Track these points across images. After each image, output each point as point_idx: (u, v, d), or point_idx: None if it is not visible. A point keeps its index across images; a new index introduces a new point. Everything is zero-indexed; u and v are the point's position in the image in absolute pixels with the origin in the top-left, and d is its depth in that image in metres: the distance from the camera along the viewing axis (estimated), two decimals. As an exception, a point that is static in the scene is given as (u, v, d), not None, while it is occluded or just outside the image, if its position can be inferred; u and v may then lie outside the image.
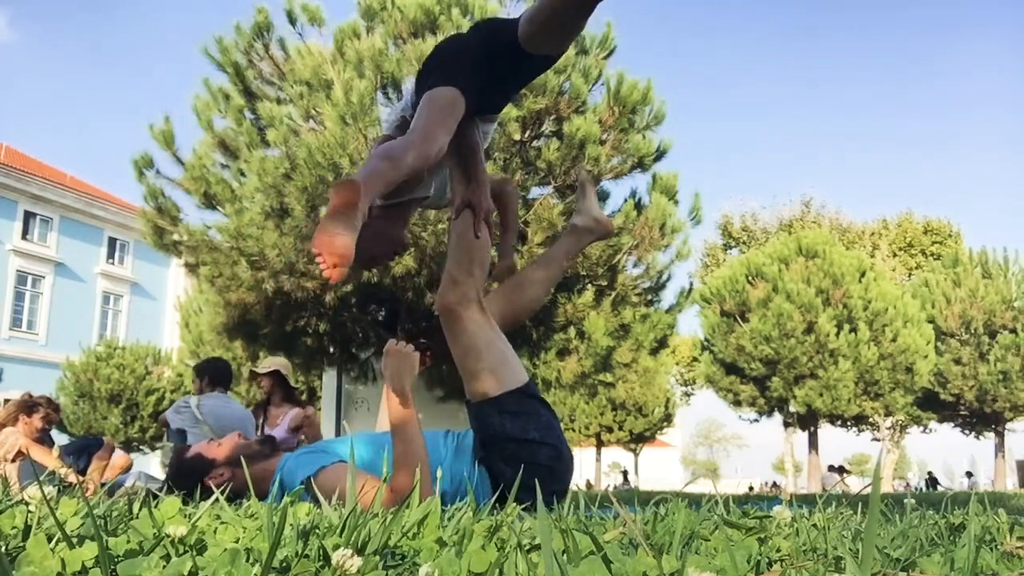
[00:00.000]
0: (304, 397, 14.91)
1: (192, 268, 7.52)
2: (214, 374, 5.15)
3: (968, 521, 1.02)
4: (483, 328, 2.21)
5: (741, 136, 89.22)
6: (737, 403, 18.55)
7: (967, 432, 21.49)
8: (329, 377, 9.57)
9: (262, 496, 1.75)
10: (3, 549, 0.74)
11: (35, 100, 64.85)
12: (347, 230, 1.71)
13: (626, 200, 7.50)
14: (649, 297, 7.99)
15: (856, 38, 74.18)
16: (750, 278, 17.50)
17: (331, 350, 7.99)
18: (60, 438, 7.67)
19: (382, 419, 7.33)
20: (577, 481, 27.82)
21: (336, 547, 0.71)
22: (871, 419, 21.41)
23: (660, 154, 7.39)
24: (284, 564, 0.70)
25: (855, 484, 23.78)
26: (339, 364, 8.56)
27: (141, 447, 18.84)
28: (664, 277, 7.95)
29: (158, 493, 1.62)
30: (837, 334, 16.30)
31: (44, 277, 24.00)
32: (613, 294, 7.48)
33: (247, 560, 0.69)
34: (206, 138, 7.18)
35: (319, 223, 1.74)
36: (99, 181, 52.29)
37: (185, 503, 0.99)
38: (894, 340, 16.67)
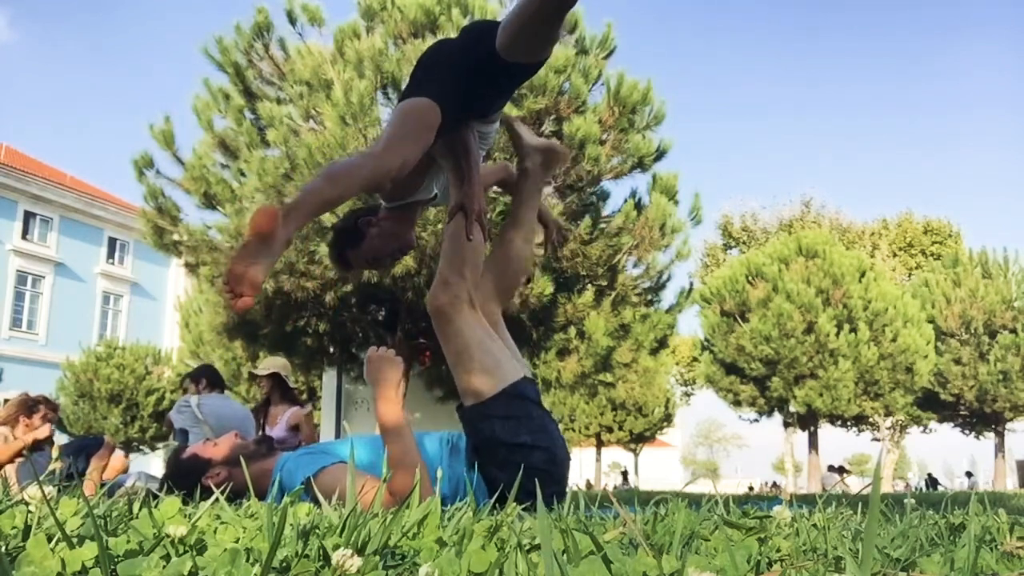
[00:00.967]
0: (304, 397, 14.94)
1: (192, 268, 7.52)
2: (210, 377, 5.18)
3: (968, 521, 1.02)
4: (474, 330, 2.20)
5: (741, 136, 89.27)
6: (737, 403, 18.55)
7: (967, 432, 21.50)
8: (329, 377, 9.57)
9: (260, 496, 1.75)
10: (3, 549, 0.74)
11: (35, 100, 64.88)
12: (261, 260, 1.72)
13: (626, 200, 7.51)
14: (649, 297, 8.00)
15: (856, 38, 74.21)
16: (750, 278, 17.50)
17: (331, 350, 7.99)
18: (60, 438, 7.67)
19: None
20: (577, 481, 27.82)
21: (336, 547, 0.71)
22: (871, 419, 21.41)
23: (660, 154, 7.39)
24: (284, 564, 0.70)
25: (855, 484, 23.79)
26: (339, 364, 8.57)
27: (141, 447, 18.85)
28: (664, 277, 7.95)
29: (158, 493, 1.62)
30: (837, 334, 16.31)
31: (44, 277, 24.01)
32: (613, 294, 7.48)
33: (247, 560, 0.69)
34: (206, 138, 7.19)
35: (236, 251, 1.77)
36: (99, 181, 52.33)
37: (185, 503, 0.99)
38: (894, 340, 16.68)
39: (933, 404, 20.33)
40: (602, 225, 7.29)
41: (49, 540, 0.72)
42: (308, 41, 6.97)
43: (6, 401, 4.93)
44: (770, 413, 18.89)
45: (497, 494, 1.66)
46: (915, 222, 30.66)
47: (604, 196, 7.62)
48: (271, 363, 5.36)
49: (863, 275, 17.29)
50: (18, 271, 23.30)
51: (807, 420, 18.64)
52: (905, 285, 22.35)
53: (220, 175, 7.04)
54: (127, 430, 18.03)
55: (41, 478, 1.18)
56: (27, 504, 0.90)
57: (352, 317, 7.47)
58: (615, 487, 24.48)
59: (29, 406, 4.74)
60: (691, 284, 8.88)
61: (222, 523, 0.89)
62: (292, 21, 7.01)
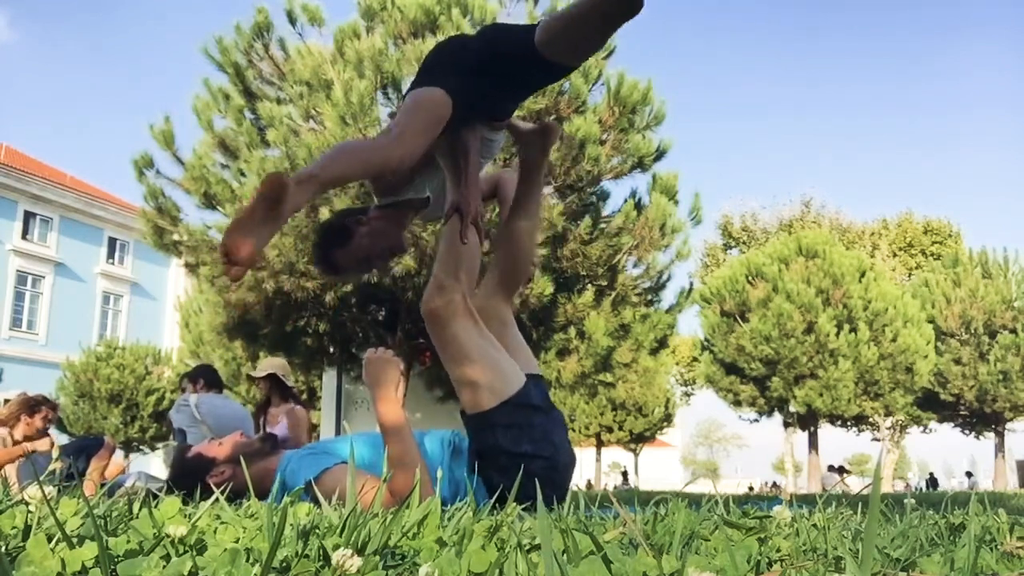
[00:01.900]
0: (304, 397, 14.92)
1: (192, 268, 7.52)
2: (208, 377, 5.17)
3: (968, 521, 1.02)
4: (471, 335, 2.14)
5: (741, 136, 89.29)
6: (737, 403, 18.55)
7: (967, 432, 21.49)
8: (329, 377, 9.57)
9: (263, 495, 1.75)
10: (3, 549, 0.74)
11: (35, 100, 64.88)
12: (264, 228, 1.71)
13: (626, 200, 7.51)
14: (649, 297, 8.00)
15: (856, 38, 74.21)
16: (750, 278, 17.50)
17: (331, 350, 7.99)
18: (60, 438, 7.67)
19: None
20: (577, 481, 27.79)
21: (336, 547, 0.71)
22: (871, 419, 21.41)
23: (660, 154, 7.39)
24: (284, 564, 0.70)
25: (855, 484, 23.79)
26: (339, 364, 8.57)
27: (141, 447, 18.85)
28: (664, 277, 7.95)
29: (158, 493, 1.62)
30: (837, 334, 16.31)
31: (44, 277, 24.01)
32: (613, 294, 7.48)
33: (247, 560, 0.69)
34: (206, 138, 7.19)
35: (235, 216, 1.74)
36: (99, 181, 52.33)
37: (185, 503, 0.99)
38: (894, 340, 16.68)
39: (933, 404, 20.33)
40: (602, 225, 7.29)
41: (49, 540, 0.72)
42: (308, 41, 6.97)
43: (6, 401, 4.93)
44: (770, 413, 18.89)
45: (496, 495, 1.66)
46: (915, 222, 30.66)
47: (604, 196, 7.62)
48: (268, 364, 5.36)
49: (863, 275, 17.29)
50: (18, 271, 23.30)
51: (807, 420, 18.64)
52: (905, 285, 22.35)
53: (220, 175, 7.04)
54: (127, 430, 18.03)
55: (41, 478, 1.18)
56: (27, 504, 0.90)
57: (352, 317, 7.47)
58: (615, 487, 24.48)
59: (31, 406, 4.75)
60: (691, 284, 8.88)
61: (222, 523, 0.89)
62: (292, 21, 7.01)
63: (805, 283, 16.80)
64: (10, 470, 4.45)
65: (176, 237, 7.33)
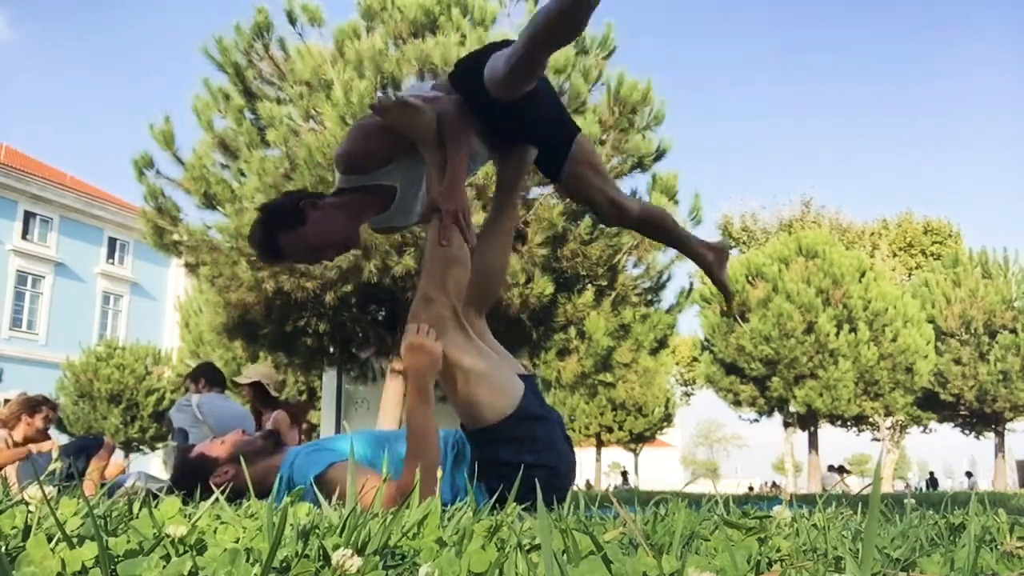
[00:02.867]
0: (304, 397, 14.93)
1: (192, 268, 7.51)
2: (209, 376, 5.18)
3: (968, 521, 1.02)
4: (463, 350, 2.01)
5: (741, 136, 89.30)
6: (737, 403, 18.55)
7: (967, 432, 21.50)
8: (329, 377, 9.57)
9: (265, 494, 1.75)
10: (3, 549, 0.74)
11: (35, 100, 64.90)
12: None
13: (626, 200, 7.49)
14: (649, 297, 7.99)
15: (856, 38, 74.21)
16: (750, 278, 17.51)
17: (331, 350, 7.99)
18: (60, 438, 7.67)
19: (382, 419, 7.34)
20: (577, 481, 27.71)
21: (336, 547, 0.71)
22: (871, 419, 21.41)
23: (660, 154, 7.38)
24: (284, 564, 0.70)
25: (855, 484, 23.79)
26: (339, 364, 8.57)
27: (141, 447, 18.86)
28: (664, 277, 7.95)
29: (158, 493, 1.62)
30: (837, 334, 16.31)
31: (44, 277, 24.01)
32: (613, 294, 7.48)
33: (247, 560, 0.69)
34: (206, 138, 7.18)
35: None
36: (99, 181, 52.34)
37: (185, 503, 0.99)
38: (894, 340, 16.68)
39: (933, 404, 20.33)
40: (602, 225, 7.28)
41: (49, 540, 0.72)
42: (308, 41, 6.97)
43: (6, 401, 4.93)
44: (770, 413, 18.90)
45: (496, 496, 1.66)
46: (915, 222, 30.67)
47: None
48: (253, 371, 5.41)
49: (863, 275, 17.29)
50: (18, 271, 23.30)
51: (807, 420, 18.64)
52: (905, 285, 22.35)
53: (220, 175, 7.03)
54: (127, 430, 18.03)
55: (41, 478, 1.18)
56: (27, 504, 0.90)
57: (352, 317, 7.47)
58: (615, 487, 24.48)
59: (31, 406, 4.75)
60: (691, 284, 8.87)
61: (222, 523, 0.89)
62: (292, 21, 7.01)
63: (805, 283, 16.80)
64: (10, 470, 4.45)
65: (176, 237, 7.32)
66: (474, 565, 0.72)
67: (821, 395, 16.56)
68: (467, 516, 1.02)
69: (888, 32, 72.96)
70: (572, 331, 7.35)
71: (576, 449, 2.28)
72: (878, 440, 24.09)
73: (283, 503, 0.91)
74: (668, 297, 8.18)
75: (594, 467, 27.77)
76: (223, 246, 6.99)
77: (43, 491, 0.89)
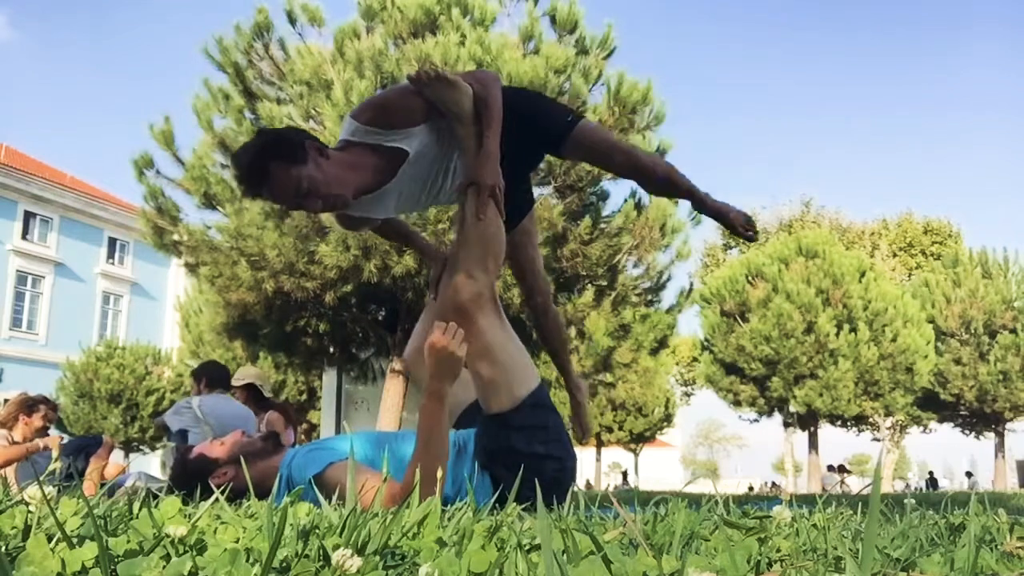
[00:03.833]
0: (304, 397, 14.92)
1: (192, 268, 7.52)
2: (212, 375, 5.17)
3: (968, 521, 1.02)
4: (495, 331, 2.01)
5: (741, 136, 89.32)
6: (737, 403, 18.55)
7: (967, 432, 21.49)
8: (329, 377, 9.57)
9: (265, 494, 1.74)
10: (3, 549, 0.74)
11: (35, 100, 64.91)
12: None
13: (626, 200, 7.51)
14: (649, 297, 8.00)
15: (856, 38, 74.23)
16: (750, 278, 17.50)
17: (331, 350, 8.00)
18: (60, 438, 7.65)
19: (382, 419, 7.34)
20: (577, 481, 27.71)
21: (336, 547, 0.71)
22: (871, 419, 21.41)
23: (660, 154, 7.38)
24: (284, 564, 0.70)
25: (855, 484, 23.80)
26: (339, 364, 8.57)
27: (141, 447, 18.85)
28: (664, 277, 7.96)
29: (158, 493, 1.62)
30: (837, 334, 16.31)
31: (44, 277, 24.00)
32: (613, 294, 7.48)
33: (247, 560, 0.69)
34: (206, 138, 7.18)
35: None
36: (99, 181, 52.31)
37: (185, 503, 0.99)
38: (894, 340, 16.67)
39: (933, 404, 20.33)
40: (602, 225, 7.29)
41: (49, 540, 0.72)
42: (308, 41, 6.97)
43: (6, 401, 4.92)
44: (770, 413, 18.89)
45: (498, 493, 1.65)
46: (915, 222, 30.66)
47: (604, 196, 7.62)
48: (245, 373, 5.44)
49: (863, 275, 17.29)
50: (18, 271, 23.30)
51: (807, 420, 18.63)
52: (905, 285, 22.34)
53: (220, 175, 7.04)
54: (127, 430, 18.02)
55: (41, 478, 1.18)
56: (27, 504, 0.90)
57: (352, 317, 7.47)
58: (615, 487, 24.47)
59: (29, 405, 4.73)
60: (691, 284, 8.88)
61: (222, 523, 0.89)
62: (292, 21, 7.01)
63: (805, 283, 16.79)
64: (9, 471, 4.45)
65: (176, 237, 7.33)
66: (474, 565, 0.72)
67: (821, 395, 16.55)
68: (467, 516, 1.02)
69: (888, 32, 73.00)
70: (572, 331, 7.35)
71: (576, 449, 2.28)
72: (878, 440, 24.09)
73: (283, 503, 0.91)
74: (668, 297, 8.20)
75: (594, 467, 27.75)
76: (223, 246, 7.00)
77: (43, 491, 0.89)
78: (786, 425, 20.01)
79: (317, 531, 0.84)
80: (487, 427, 2.06)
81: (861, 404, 17.02)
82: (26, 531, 0.82)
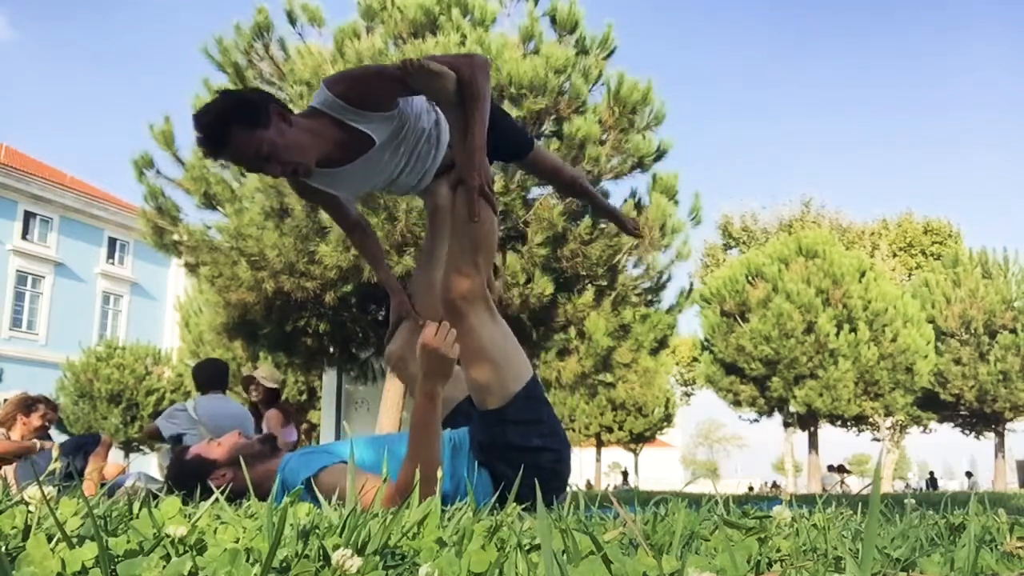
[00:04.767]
0: (304, 397, 14.92)
1: (192, 268, 7.51)
2: (207, 377, 5.14)
3: (968, 521, 1.02)
4: (488, 327, 2.04)
5: (741, 136, 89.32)
6: (737, 403, 18.54)
7: (967, 432, 21.49)
8: (329, 377, 9.57)
9: (264, 496, 1.74)
10: (3, 549, 0.74)
11: (35, 100, 64.92)
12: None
13: (626, 200, 7.50)
14: (649, 297, 7.99)
15: (856, 38, 74.22)
16: (750, 278, 17.50)
17: (331, 350, 7.99)
18: (59, 438, 7.66)
19: (382, 419, 7.34)
20: (577, 481, 27.81)
21: (336, 547, 0.71)
22: (871, 419, 21.40)
23: (660, 154, 7.38)
24: (284, 564, 0.70)
25: (855, 484, 23.80)
26: (339, 364, 8.57)
27: (141, 447, 18.84)
28: (664, 277, 7.95)
29: (158, 493, 1.62)
30: (837, 334, 16.30)
31: (44, 277, 24.00)
32: (613, 294, 7.48)
33: (247, 560, 0.69)
34: (206, 138, 7.17)
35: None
36: (99, 181, 52.33)
37: (185, 503, 0.99)
38: (894, 340, 16.67)
39: (933, 404, 20.32)
40: (602, 225, 7.28)
41: (49, 540, 0.72)
42: (308, 41, 6.96)
43: (5, 401, 4.91)
44: (770, 413, 18.89)
45: (498, 491, 1.65)
46: (915, 222, 30.65)
47: (604, 196, 7.60)
48: (273, 376, 5.56)
49: (863, 275, 17.28)
50: (18, 271, 23.29)
51: (807, 420, 18.63)
52: (905, 285, 22.34)
53: (220, 175, 7.03)
54: (127, 430, 18.02)
55: (41, 478, 1.18)
56: (27, 504, 0.90)
57: (352, 317, 7.47)
58: (615, 487, 24.48)
59: (27, 405, 4.72)
60: (691, 284, 8.87)
61: (222, 523, 0.89)
62: (292, 21, 7.01)
63: (805, 283, 16.79)
64: (9, 470, 4.44)
65: (176, 237, 7.32)
66: (474, 565, 0.72)
67: (821, 395, 16.55)
68: (467, 516, 1.02)
69: (888, 32, 72.99)
70: (572, 331, 7.35)
71: (576, 449, 2.30)
72: (878, 440, 24.09)
73: (283, 503, 0.91)
74: (668, 297, 8.19)
75: (594, 467, 27.74)
76: (223, 246, 6.99)
77: (43, 491, 0.89)
78: (786, 425, 20.01)
79: (317, 531, 0.84)
80: (483, 423, 2.06)
81: (861, 404, 17.02)
82: (26, 531, 0.82)
